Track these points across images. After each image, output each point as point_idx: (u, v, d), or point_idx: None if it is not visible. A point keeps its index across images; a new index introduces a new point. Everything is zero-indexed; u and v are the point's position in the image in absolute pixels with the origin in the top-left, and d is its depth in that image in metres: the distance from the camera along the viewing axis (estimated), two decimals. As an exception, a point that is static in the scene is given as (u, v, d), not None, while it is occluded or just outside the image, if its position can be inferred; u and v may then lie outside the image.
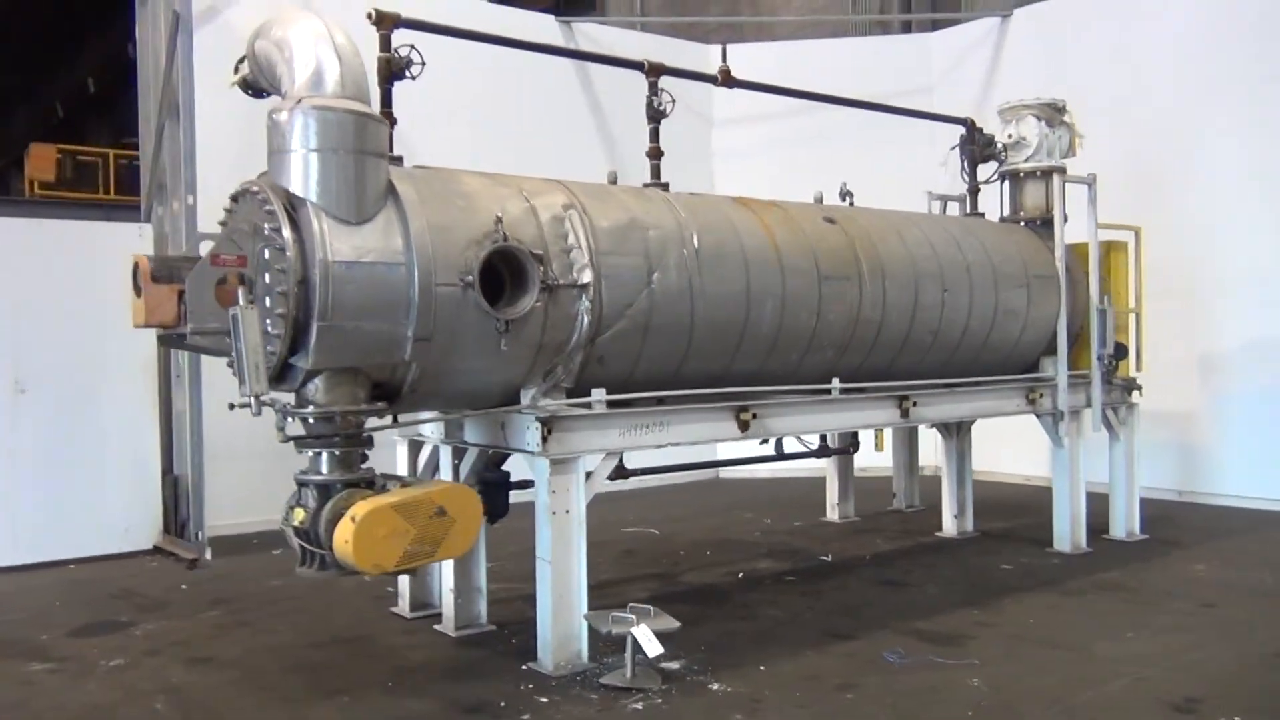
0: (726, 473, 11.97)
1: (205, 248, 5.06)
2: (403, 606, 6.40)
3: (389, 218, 4.83)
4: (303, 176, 4.70)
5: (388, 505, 4.63)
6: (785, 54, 12.46)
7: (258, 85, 5.29)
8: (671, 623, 5.05)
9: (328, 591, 6.99)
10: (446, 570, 6.02)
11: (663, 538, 8.74)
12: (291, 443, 4.85)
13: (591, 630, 5.30)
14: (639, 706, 4.75)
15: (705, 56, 12.20)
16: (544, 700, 4.84)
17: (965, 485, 8.59)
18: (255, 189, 4.79)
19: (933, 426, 8.21)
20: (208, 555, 7.90)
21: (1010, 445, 10.31)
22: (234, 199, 5.02)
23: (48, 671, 5.44)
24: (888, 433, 8.92)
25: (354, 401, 4.81)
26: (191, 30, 8.03)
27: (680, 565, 7.71)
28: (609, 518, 9.12)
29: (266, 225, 4.64)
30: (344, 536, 4.56)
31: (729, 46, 12.58)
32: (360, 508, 4.59)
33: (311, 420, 4.72)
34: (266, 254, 4.67)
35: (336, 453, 4.80)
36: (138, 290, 4.66)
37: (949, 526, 8.61)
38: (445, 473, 5.97)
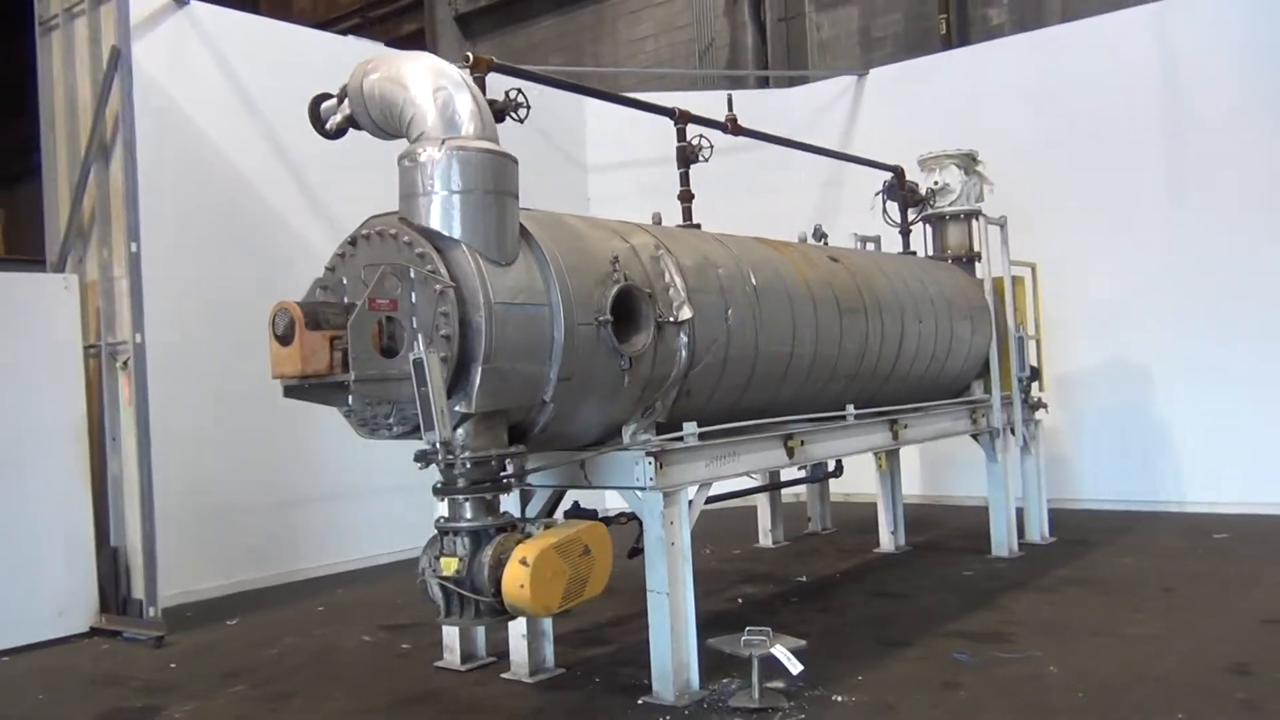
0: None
1: (320, 292, 4.87)
2: (450, 660, 6.20)
3: (527, 258, 4.84)
4: (448, 218, 4.64)
5: (550, 546, 4.61)
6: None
7: (340, 127, 5.17)
8: (798, 641, 5.26)
9: (339, 655, 6.67)
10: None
11: (623, 574, 8.80)
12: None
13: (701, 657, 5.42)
14: (791, 724, 4.95)
15: (579, 105, 12.54)
16: (696, 729, 4.93)
17: (898, 505, 9.28)
18: (393, 230, 4.67)
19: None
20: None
21: (869, 467, 11.07)
22: (352, 241, 4.86)
23: (114, 766, 4.93)
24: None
25: (500, 445, 4.75)
26: (131, 67, 7.48)
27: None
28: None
29: (416, 268, 4.54)
30: (518, 580, 4.49)
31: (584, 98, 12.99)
32: (527, 550, 4.54)
33: (469, 465, 4.62)
34: (415, 296, 4.57)
35: (487, 498, 4.72)
36: (283, 340, 4.41)
37: (886, 543, 9.25)
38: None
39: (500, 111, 5.39)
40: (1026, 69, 11.28)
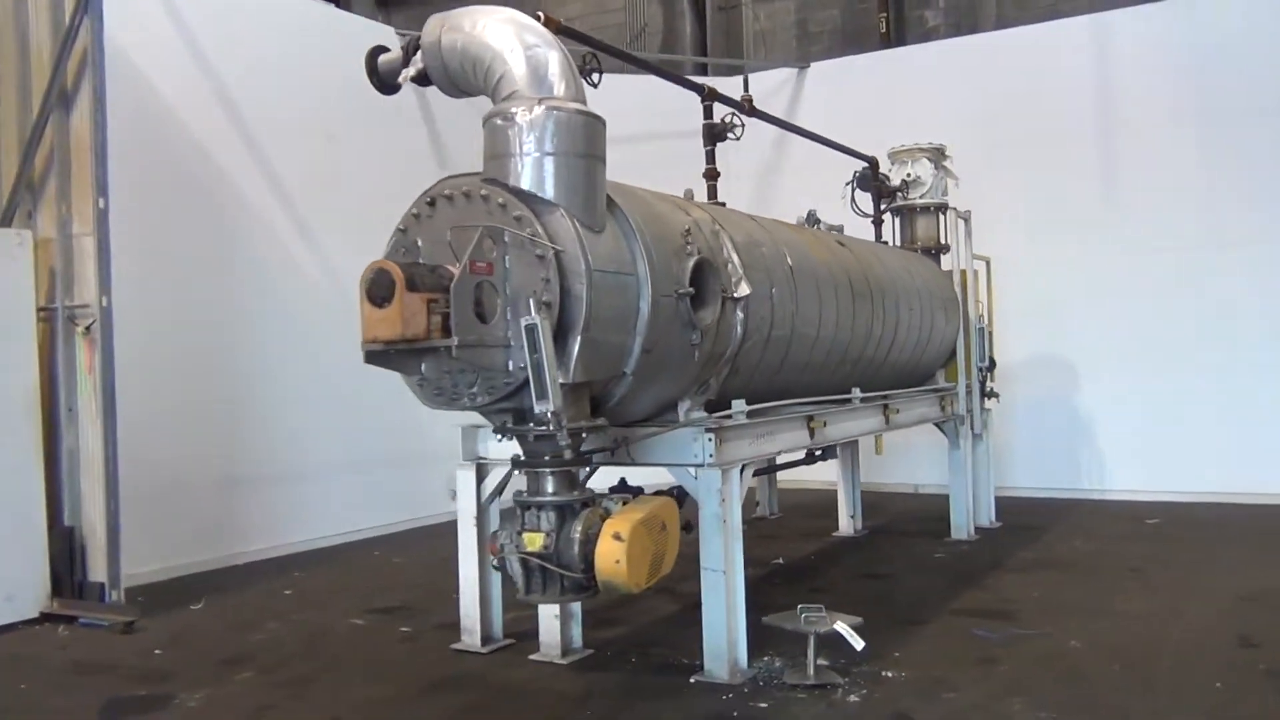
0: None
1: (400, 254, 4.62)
2: (470, 642, 5.99)
3: (612, 226, 4.71)
4: (541, 181, 4.48)
5: (639, 521, 4.51)
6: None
7: (410, 81, 4.93)
8: (855, 619, 5.30)
9: (336, 640, 6.38)
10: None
11: (590, 558, 8.71)
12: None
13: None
14: (856, 699, 4.98)
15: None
16: (766, 705, 4.90)
17: (857, 490, 9.48)
18: (484, 192, 4.47)
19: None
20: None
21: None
22: (430, 202, 4.63)
23: (150, 757, 4.57)
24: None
25: (586, 417, 4.61)
26: (102, 11, 6.92)
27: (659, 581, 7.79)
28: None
29: (513, 231, 4.36)
30: (614, 555, 4.39)
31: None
32: (619, 526, 4.45)
33: (569, 438, 4.45)
34: (509, 261, 4.39)
35: (572, 471, 4.58)
36: (378, 301, 4.16)
37: (845, 526, 9.44)
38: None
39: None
40: (968, 71, 11.65)
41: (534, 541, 4.48)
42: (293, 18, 9.73)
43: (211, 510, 8.71)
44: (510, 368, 4.38)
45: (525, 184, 4.48)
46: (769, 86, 12.79)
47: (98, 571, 7.02)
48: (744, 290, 5.39)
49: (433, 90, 11.26)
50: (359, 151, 10.13)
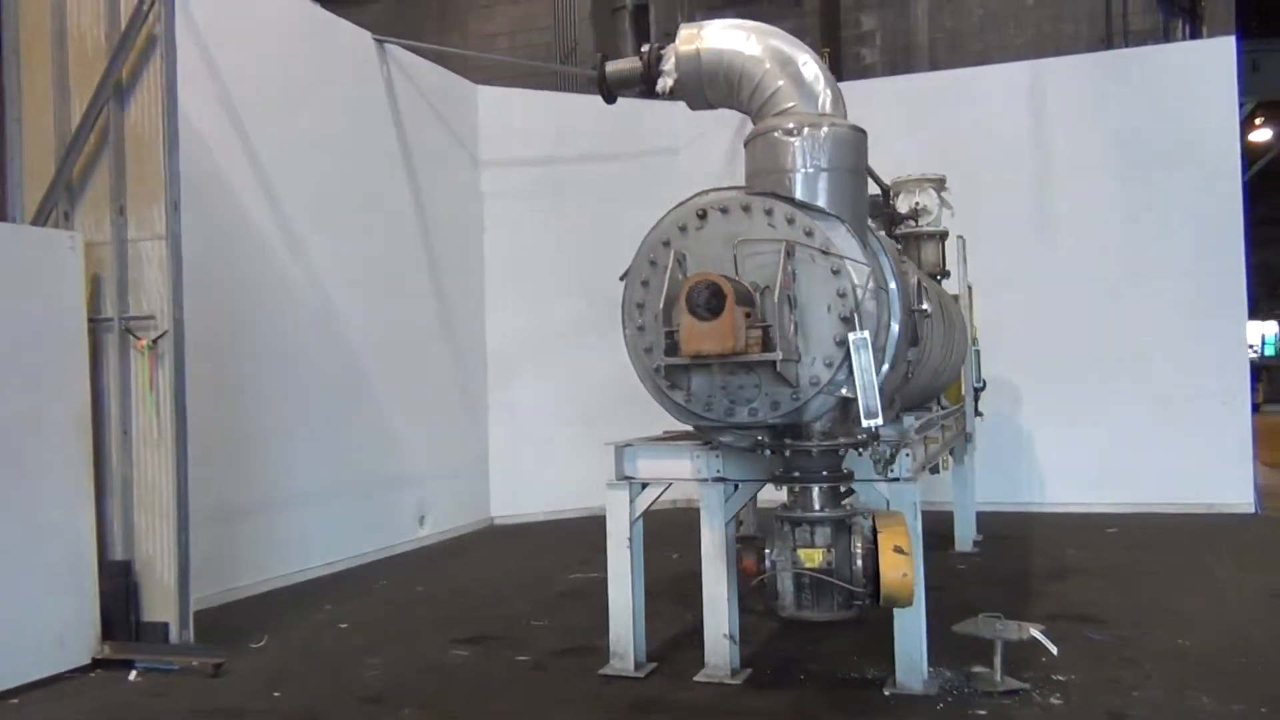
0: (501, 521, 11.84)
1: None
2: (620, 667, 5.83)
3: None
4: (815, 195, 4.50)
5: (907, 536, 4.58)
6: (537, 102, 12.76)
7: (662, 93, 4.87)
8: (1039, 625, 5.54)
9: (459, 673, 6.09)
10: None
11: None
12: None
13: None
14: (1059, 702, 5.20)
15: (472, 94, 12.12)
16: (985, 713, 5.04)
17: (857, 504, 9.79)
18: (767, 207, 4.45)
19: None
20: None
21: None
22: (701, 214, 4.55)
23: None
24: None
25: (849, 434, 4.64)
26: (175, -7, 6.35)
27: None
28: (510, 567, 8.72)
29: (806, 245, 4.36)
30: (901, 569, 4.45)
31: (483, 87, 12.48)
32: (897, 539, 4.51)
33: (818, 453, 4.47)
34: (798, 274, 4.39)
35: (841, 488, 4.60)
36: (703, 315, 4.06)
37: (849, 542, 9.72)
38: (712, 515, 5.68)
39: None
40: (912, 109, 12.30)
41: (812, 558, 4.47)
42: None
43: (201, 542, 7.98)
44: (800, 383, 4.36)
45: (813, 199, 4.49)
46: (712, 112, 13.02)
47: (156, 610, 6.36)
48: (926, 306, 5.55)
49: (403, 95, 10.94)
50: (331, 152, 9.62)
